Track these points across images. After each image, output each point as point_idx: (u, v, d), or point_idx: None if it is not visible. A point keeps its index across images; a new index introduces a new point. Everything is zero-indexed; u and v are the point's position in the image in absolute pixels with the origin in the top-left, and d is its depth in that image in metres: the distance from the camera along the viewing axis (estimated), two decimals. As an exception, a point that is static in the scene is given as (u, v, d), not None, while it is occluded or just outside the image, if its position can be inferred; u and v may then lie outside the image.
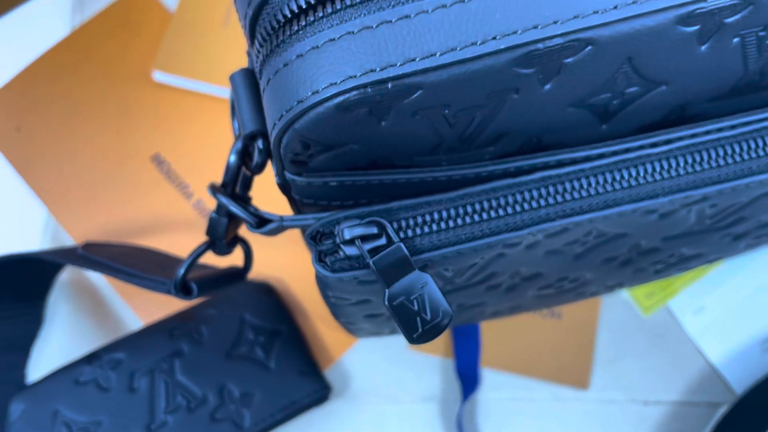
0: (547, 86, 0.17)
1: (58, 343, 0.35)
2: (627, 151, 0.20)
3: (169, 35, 0.37)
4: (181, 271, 0.24)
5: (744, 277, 0.36)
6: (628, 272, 0.27)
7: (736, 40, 0.18)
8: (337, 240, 0.18)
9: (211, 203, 0.36)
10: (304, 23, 0.16)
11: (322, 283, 0.20)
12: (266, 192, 0.28)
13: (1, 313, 0.33)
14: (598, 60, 0.17)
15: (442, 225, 0.19)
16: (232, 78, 0.20)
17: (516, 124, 0.18)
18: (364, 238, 0.18)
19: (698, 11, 0.16)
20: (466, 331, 0.34)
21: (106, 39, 0.38)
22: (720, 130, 0.20)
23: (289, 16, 0.17)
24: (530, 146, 0.20)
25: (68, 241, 0.36)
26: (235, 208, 0.21)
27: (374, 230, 0.18)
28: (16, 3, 0.39)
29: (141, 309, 0.35)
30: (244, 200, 0.22)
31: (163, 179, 0.37)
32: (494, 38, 0.16)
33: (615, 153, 0.20)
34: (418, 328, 0.18)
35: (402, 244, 0.18)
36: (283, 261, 0.35)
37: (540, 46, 0.16)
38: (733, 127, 0.20)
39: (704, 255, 0.28)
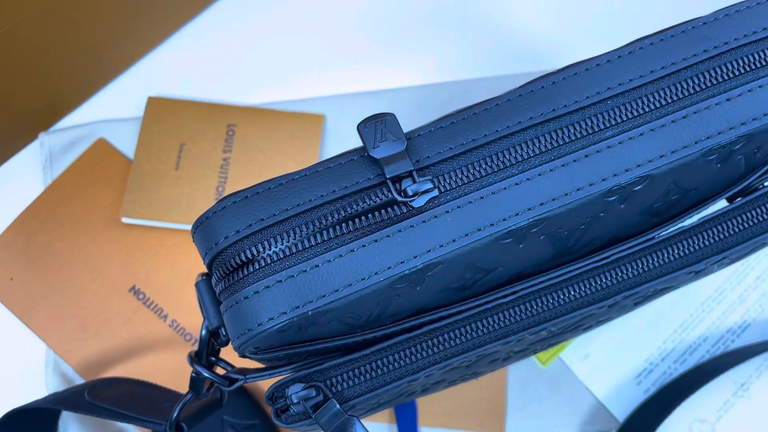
0: (419, 288, 0.26)
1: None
2: (485, 303, 0.28)
3: (130, 184, 0.45)
4: (174, 415, 0.31)
5: (617, 326, 0.45)
6: (512, 360, 0.36)
7: (542, 237, 0.26)
8: (287, 402, 0.26)
9: (184, 321, 0.44)
10: (247, 272, 0.24)
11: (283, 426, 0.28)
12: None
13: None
14: (451, 269, 0.25)
15: (362, 378, 0.27)
16: (197, 285, 0.28)
17: (402, 307, 0.27)
18: (307, 398, 0.26)
19: None
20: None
21: (78, 191, 0.45)
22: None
23: (235, 266, 0.25)
24: (416, 312, 0.28)
25: (67, 368, 0.43)
26: (207, 374, 0.29)
27: (313, 393, 0.26)
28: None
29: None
30: (217, 362, 0.30)
31: (141, 306, 0.44)
32: (375, 273, 0.24)
33: (478, 306, 0.28)
34: None
35: (334, 399, 0.26)
36: (253, 363, 0.43)
37: (406, 271, 0.24)
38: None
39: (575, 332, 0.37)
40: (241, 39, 0.50)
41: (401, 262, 0.24)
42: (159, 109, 0.46)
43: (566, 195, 0.25)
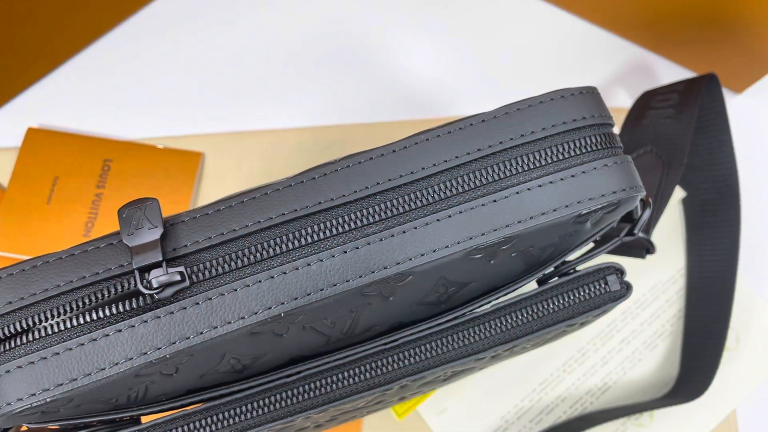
0: (175, 374, 0.26)
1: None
2: (264, 383, 0.28)
3: (1, 216, 0.45)
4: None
5: (477, 381, 0.45)
6: (359, 414, 0.36)
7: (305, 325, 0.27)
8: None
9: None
10: None
11: None
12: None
13: None
14: (205, 357, 0.25)
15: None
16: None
17: (167, 389, 0.27)
18: None
19: None
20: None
21: (-51, 219, 0.46)
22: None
23: None
24: (187, 392, 0.28)
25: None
26: None
27: None
28: None
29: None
30: None
31: (3, 338, 0.44)
32: (116, 363, 0.24)
33: (253, 387, 0.28)
34: None
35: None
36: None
37: (152, 360, 0.24)
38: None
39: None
40: (127, 73, 0.50)
41: (143, 353, 0.24)
42: (37, 141, 0.47)
43: (321, 290, 0.25)
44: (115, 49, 0.50)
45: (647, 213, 0.32)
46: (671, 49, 0.51)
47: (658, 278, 0.47)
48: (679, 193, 0.47)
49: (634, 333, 0.46)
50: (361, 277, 0.25)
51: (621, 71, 0.51)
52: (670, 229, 0.47)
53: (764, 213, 0.49)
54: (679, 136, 0.40)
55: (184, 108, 0.49)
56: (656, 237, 0.47)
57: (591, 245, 0.37)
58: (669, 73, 0.51)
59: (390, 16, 0.52)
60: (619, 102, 0.50)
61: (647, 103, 0.44)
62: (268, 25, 0.51)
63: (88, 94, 0.49)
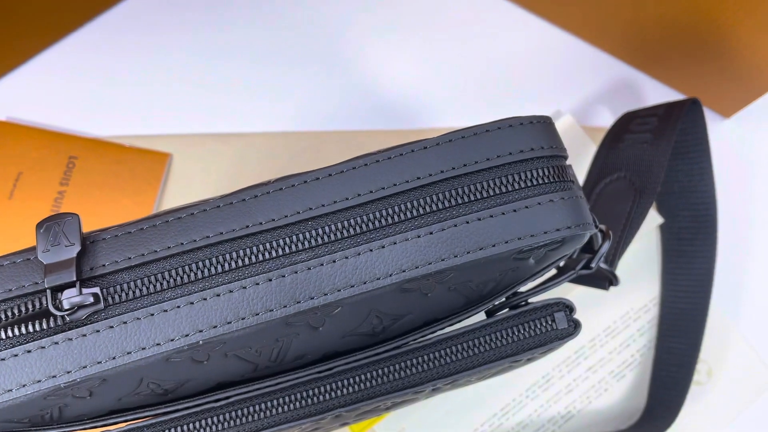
0: (89, 397, 0.25)
1: None
2: (191, 407, 0.27)
3: (-39, 209, 0.44)
4: None
5: (436, 403, 0.44)
6: None
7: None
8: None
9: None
10: None
11: None
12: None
13: None
14: (119, 382, 0.24)
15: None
16: None
17: (84, 410, 0.26)
18: None
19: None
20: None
21: None
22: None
23: None
24: (108, 413, 0.27)
25: None
26: None
27: None
28: None
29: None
30: None
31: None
32: (23, 385, 0.23)
33: (179, 410, 0.27)
34: None
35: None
36: None
37: (61, 385, 0.23)
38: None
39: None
40: (97, 69, 0.49)
41: (52, 376, 0.23)
42: (3, 134, 0.46)
43: (242, 319, 0.24)
44: (87, 45, 0.49)
45: (606, 245, 0.31)
46: (659, 70, 0.49)
47: (630, 306, 0.45)
48: (656, 219, 0.46)
49: (602, 361, 0.44)
50: (285, 307, 0.24)
51: (606, 89, 0.49)
52: (645, 256, 0.46)
53: (746, 242, 0.47)
54: (654, 164, 0.39)
55: (154, 107, 0.48)
56: (631, 263, 0.45)
57: (551, 274, 0.36)
58: (656, 93, 0.49)
59: (369, 24, 0.50)
60: (602, 121, 0.48)
61: (626, 125, 0.42)
62: (244, 28, 0.50)
63: (57, 88, 0.48)
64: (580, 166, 0.45)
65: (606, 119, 0.49)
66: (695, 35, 0.44)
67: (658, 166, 0.39)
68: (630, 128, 0.42)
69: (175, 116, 0.48)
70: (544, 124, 0.26)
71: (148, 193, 0.46)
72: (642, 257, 0.46)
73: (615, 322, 0.45)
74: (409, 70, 0.49)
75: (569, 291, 0.44)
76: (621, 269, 0.44)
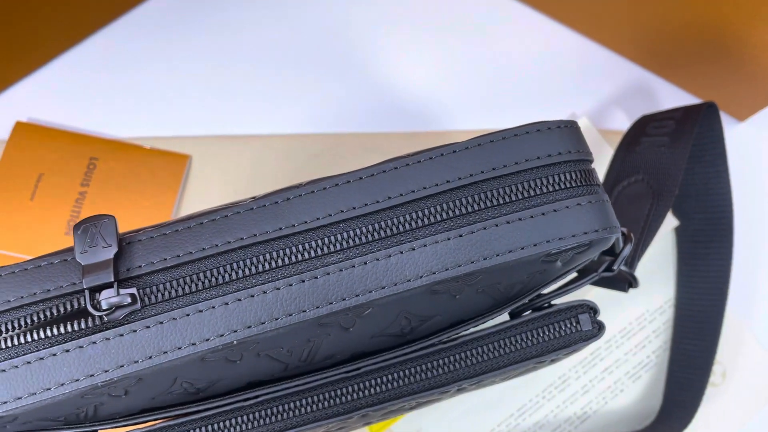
0: (124, 396, 0.25)
1: None
2: (221, 406, 0.28)
3: (-17, 210, 0.45)
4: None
5: (453, 403, 0.44)
6: None
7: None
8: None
9: None
10: None
11: None
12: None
13: None
14: (155, 381, 0.25)
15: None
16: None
17: (118, 408, 0.26)
18: None
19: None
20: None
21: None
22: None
23: None
24: (139, 412, 0.28)
25: None
26: None
27: None
28: None
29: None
30: None
31: None
32: (62, 384, 0.24)
33: (209, 409, 0.28)
34: None
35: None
36: None
37: (99, 384, 0.24)
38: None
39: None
40: (117, 71, 0.49)
41: (90, 375, 0.24)
42: (24, 135, 0.46)
43: (276, 320, 0.25)
44: (108, 47, 0.49)
45: (628, 248, 0.31)
46: (674, 73, 0.49)
47: (646, 308, 0.46)
48: (671, 222, 0.46)
49: (617, 362, 0.45)
50: (318, 308, 0.25)
51: (622, 92, 0.50)
52: (661, 258, 0.46)
53: (761, 245, 0.48)
54: (671, 167, 0.39)
55: (173, 109, 0.48)
56: (646, 265, 0.46)
57: (572, 276, 0.36)
58: (671, 97, 0.50)
59: (386, 26, 0.51)
60: (617, 124, 0.49)
61: (643, 129, 0.43)
62: (263, 30, 0.50)
63: (78, 90, 0.49)
64: (596, 169, 0.45)
65: (621, 122, 0.49)
66: (710, 39, 0.45)
67: (675, 169, 0.39)
68: (647, 131, 0.42)
69: (194, 118, 0.48)
70: (571, 128, 0.27)
71: (168, 194, 0.46)
72: (657, 259, 0.46)
73: (631, 323, 0.45)
74: (426, 73, 0.50)
75: (586, 293, 0.44)
76: (637, 271, 0.44)
